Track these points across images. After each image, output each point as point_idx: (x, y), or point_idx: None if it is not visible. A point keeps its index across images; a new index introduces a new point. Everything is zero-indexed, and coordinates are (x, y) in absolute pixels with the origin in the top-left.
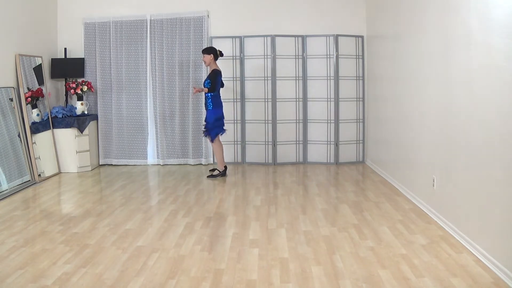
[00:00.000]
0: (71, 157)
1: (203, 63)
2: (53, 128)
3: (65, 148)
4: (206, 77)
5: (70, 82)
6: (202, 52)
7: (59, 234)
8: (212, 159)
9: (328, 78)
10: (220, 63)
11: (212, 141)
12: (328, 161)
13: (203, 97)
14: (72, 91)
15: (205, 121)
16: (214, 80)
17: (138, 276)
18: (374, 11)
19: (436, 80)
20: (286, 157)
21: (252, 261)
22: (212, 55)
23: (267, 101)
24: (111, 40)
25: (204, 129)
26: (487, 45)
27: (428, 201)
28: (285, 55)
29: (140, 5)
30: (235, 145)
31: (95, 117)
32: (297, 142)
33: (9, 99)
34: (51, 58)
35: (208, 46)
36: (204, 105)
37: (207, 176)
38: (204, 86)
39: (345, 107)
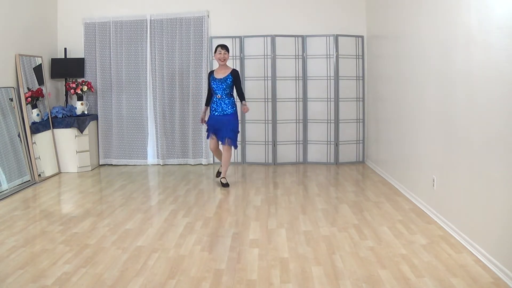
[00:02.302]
0: (71, 157)
1: (222, 60)
2: (53, 128)
3: (65, 148)
4: (228, 76)
5: (70, 82)
6: (223, 47)
7: (59, 234)
8: (212, 159)
9: (328, 78)
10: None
11: (236, 147)
12: (328, 161)
13: (203, 97)
14: (72, 91)
15: (230, 127)
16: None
17: (138, 276)
18: (374, 11)
19: (436, 80)
20: (286, 157)
21: (252, 261)
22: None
23: (267, 101)
24: (111, 40)
25: (228, 137)
26: (487, 45)
27: (428, 201)
28: (285, 55)
29: (140, 5)
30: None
31: (95, 117)
32: (297, 142)
33: (9, 99)
34: (51, 58)
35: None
36: (221, 109)
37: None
38: (229, 86)
39: (345, 107)
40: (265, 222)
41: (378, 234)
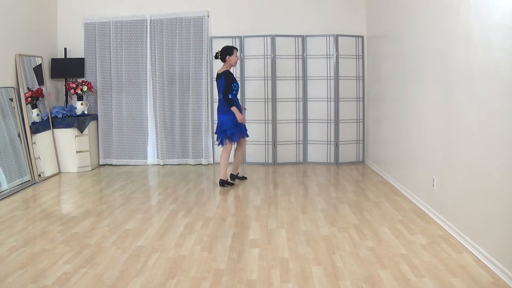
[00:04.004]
0: (71, 157)
1: (237, 63)
2: (53, 128)
3: (65, 148)
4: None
5: (70, 82)
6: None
7: (59, 234)
8: (212, 159)
9: (328, 78)
10: (220, 63)
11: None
12: (328, 161)
13: (203, 97)
14: (72, 91)
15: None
16: None
17: (138, 276)
18: (374, 11)
19: (436, 80)
20: (286, 157)
21: (252, 261)
22: None
23: (267, 101)
24: (111, 40)
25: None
26: (487, 45)
27: (428, 201)
28: (285, 55)
29: (140, 5)
30: (235, 145)
31: (95, 117)
32: (297, 142)
33: (9, 99)
34: (51, 58)
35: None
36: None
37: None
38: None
39: (345, 107)
40: (265, 222)
41: (378, 234)
